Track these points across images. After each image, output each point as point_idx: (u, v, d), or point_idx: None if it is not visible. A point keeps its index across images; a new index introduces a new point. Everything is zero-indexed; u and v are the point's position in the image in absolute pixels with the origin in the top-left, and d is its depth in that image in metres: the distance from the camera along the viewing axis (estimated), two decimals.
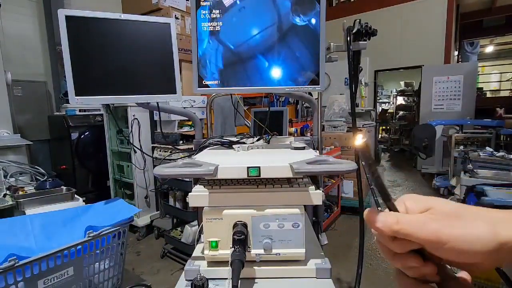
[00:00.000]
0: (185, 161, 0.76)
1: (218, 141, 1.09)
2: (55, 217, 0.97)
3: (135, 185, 3.16)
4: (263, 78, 0.89)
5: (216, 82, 0.90)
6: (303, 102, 3.83)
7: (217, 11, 0.87)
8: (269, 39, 0.87)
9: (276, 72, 0.89)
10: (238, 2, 0.87)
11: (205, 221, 0.73)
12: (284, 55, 0.88)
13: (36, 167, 1.88)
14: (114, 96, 1.01)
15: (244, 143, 1.06)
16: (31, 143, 2.17)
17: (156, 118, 3.14)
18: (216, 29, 0.88)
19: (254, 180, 0.79)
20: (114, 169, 3.40)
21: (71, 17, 0.92)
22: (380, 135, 9.19)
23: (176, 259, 2.77)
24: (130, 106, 3.02)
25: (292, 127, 3.38)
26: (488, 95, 9.23)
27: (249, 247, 0.72)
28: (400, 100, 9.44)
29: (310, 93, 1.20)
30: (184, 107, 2.91)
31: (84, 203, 1.43)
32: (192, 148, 1.22)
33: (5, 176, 1.73)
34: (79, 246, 0.80)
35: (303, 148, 0.96)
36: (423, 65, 5.95)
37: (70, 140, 3.32)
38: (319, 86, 0.89)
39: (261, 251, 0.73)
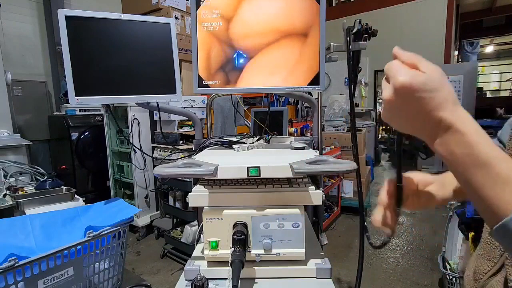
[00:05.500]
0: (185, 161, 0.76)
1: (218, 141, 1.09)
2: (55, 217, 0.96)
3: (135, 185, 3.16)
4: (262, 77, 0.89)
5: (216, 82, 0.90)
6: (303, 102, 3.82)
7: (217, 11, 0.87)
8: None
9: (275, 72, 0.89)
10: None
11: (205, 221, 0.73)
12: (283, 54, 0.88)
13: (36, 167, 1.89)
14: (114, 96, 1.01)
15: (244, 143, 1.06)
16: (31, 143, 2.17)
17: (156, 118, 3.14)
18: (216, 29, 0.88)
19: (254, 180, 0.79)
20: (114, 169, 3.40)
21: (71, 17, 0.92)
22: (380, 135, 9.17)
23: (176, 259, 2.77)
24: (130, 106, 3.02)
25: (292, 127, 3.37)
26: (488, 95, 9.23)
27: (249, 247, 0.72)
28: None
29: (310, 93, 1.20)
30: (184, 107, 2.91)
31: (84, 203, 1.43)
32: (192, 148, 1.21)
33: (5, 176, 1.73)
34: (79, 246, 0.80)
35: (303, 148, 0.96)
36: None
37: (70, 140, 3.32)
38: (319, 86, 0.89)
39: (261, 251, 0.73)
